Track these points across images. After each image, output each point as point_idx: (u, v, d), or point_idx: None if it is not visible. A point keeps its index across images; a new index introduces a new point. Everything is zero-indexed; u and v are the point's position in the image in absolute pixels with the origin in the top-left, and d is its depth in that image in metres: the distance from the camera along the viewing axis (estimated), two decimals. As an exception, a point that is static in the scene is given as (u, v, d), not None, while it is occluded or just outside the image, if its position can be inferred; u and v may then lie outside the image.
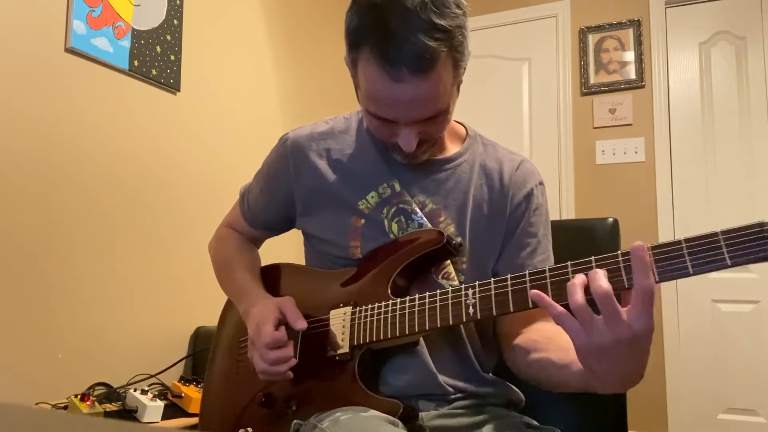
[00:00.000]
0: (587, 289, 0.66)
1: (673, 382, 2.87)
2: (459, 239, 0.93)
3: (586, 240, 1.18)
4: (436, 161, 0.97)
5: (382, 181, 0.96)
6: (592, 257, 0.71)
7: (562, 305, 0.68)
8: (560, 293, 0.72)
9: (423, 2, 0.76)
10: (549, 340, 0.85)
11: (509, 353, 0.94)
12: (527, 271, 0.76)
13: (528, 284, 0.75)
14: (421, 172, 0.96)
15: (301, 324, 0.90)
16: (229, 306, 1.13)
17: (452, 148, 1.01)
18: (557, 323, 0.68)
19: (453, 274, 0.92)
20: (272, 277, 1.08)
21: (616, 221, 1.17)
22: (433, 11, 0.76)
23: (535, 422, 0.94)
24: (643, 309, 0.63)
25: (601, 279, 0.65)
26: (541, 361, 0.84)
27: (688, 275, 0.65)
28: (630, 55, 3.13)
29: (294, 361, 0.89)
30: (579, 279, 0.67)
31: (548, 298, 0.68)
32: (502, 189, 0.97)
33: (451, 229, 0.94)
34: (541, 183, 1.02)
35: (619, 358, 0.66)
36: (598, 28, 3.20)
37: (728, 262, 0.62)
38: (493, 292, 0.78)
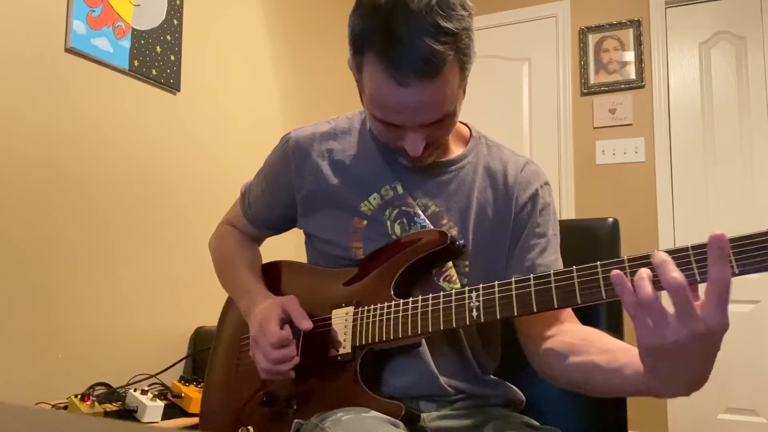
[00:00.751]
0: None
1: (673, 382, 2.86)
2: (462, 241, 0.92)
3: (586, 240, 1.17)
4: (440, 163, 0.96)
5: (385, 183, 0.95)
6: (598, 262, 0.70)
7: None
8: (566, 297, 0.71)
9: (429, 5, 0.74)
10: (589, 343, 0.81)
11: (538, 358, 0.90)
12: (531, 275, 0.75)
13: (533, 288, 0.74)
14: (424, 175, 0.96)
15: (306, 324, 0.90)
16: (229, 304, 1.13)
17: (456, 150, 1.00)
18: (631, 315, 0.63)
19: (455, 276, 0.92)
20: (274, 275, 1.08)
21: (616, 221, 1.17)
22: (439, 14, 0.75)
23: (535, 422, 0.93)
24: (720, 302, 0.59)
25: (673, 270, 0.59)
26: (583, 364, 0.79)
27: (695, 282, 0.63)
28: (630, 55, 3.13)
29: (297, 360, 0.89)
30: (646, 272, 0.62)
31: (628, 283, 0.62)
32: (506, 191, 0.96)
33: (453, 232, 0.93)
34: (546, 183, 1.01)
35: (689, 357, 0.62)
36: (598, 28, 3.20)
37: (735, 270, 0.60)
38: (497, 295, 0.77)
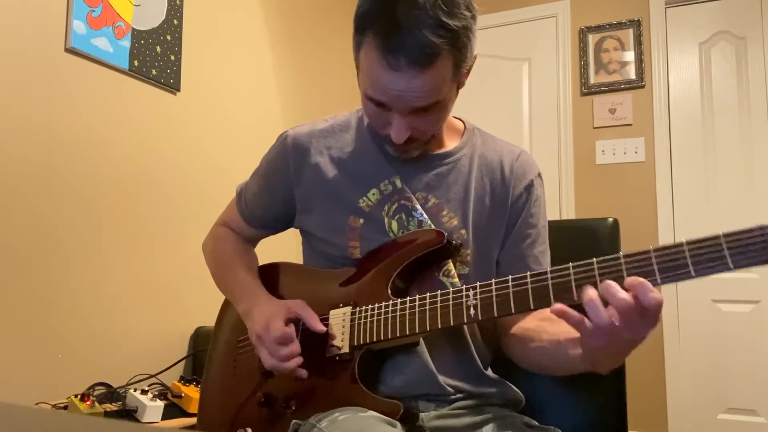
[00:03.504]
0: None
1: (673, 382, 2.87)
2: (459, 240, 0.93)
3: (586, 240, 1.17)
4: (436, 156, 0.98)
5: (384, 177, 0.96)
6: (594, 259, 0.71)
7: (569, 305, 0.71)
8: (562, 294, 0.72)
9: (434, 0, 0.77)
10: (542, 329, 0.89)
11: (506, 343, 0.97)
12: (528, 273, 0.76)
13: (529, 285, 0.75)
14: (422, 167, 0.97)
15: (319, 326, 0.90)
16: (226, 306, 1.13)
17: (451, 143, 1.01)
18: (577, 329, 0.71)
19: (453, 271, 0.92)
20: (271, 277, 1.08)
21: (616, 221, 1.17)
22: (442, 9, 0.77)
23: (535, 422, 0.94)
24: (654, 318, 0.66)
25: (620, 291, 0.66)
26: (536, 349, 0.88)
27: (690, 278, 0.65)
28: (630, 55, 3.13)
29: (300, 360, 0.89)
30: (595, 293, 0.68)
31: (568, 310, 0.70)
32: (503, 180, 0.98)
33: (454, 222, 0.94)
34: (539, 175, 1.03)
35: (624, 351, 0.72)
36: (598, 28, 3.20)
37: (731, 265, 0.63)
38: (494, 293, 0.78)
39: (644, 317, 0.66)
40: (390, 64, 0.79)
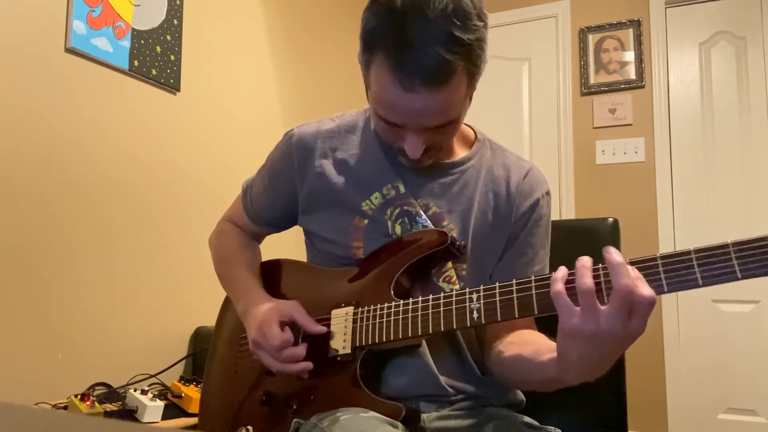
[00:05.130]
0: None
1: (673, 382, 2.87)
2: (462, 242, 0.92)
3: (586, 240, 1.17)
4: (443, 165, 0.96)
5: (387, 182, 0.95)
6: (600, 265, 0.70)
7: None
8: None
9: (445, 13, 0.73)
10: (523, 341, 0.88)
11: (488, 359, 0.95)
12: (533, 278, 0.75)
13: (534, 290, 0.74)
14: (428, 175, 0.96)
15: (318, 328, 0.90)
16: (227, 303, 1.13)
17: (460, 152, 1.00)
18: (555, 300, 0.68)
19: (454, 277, 0.92)
20: (273, 273, 1.08)
21: (616, 221, 1.17)
22: (454, 23, 0.73)
23: (535, 422, 0.93)
24: (621, 310, 0.63)
25: (624, 276, 0.63)
26: (513, 358, 0.86)
27: (697, 286, 0.64)
28: (630, 55, 3.13)
29: (309, 364, 0.88)
30: (589, 261, 0.67)
31: (558, 275, 0.69)
32: (508, 197, 0.97)
33: (453, 234, 0.93)
34: (547, 193, 1.01)
35: (602, 350, 0.67)
36: (598, 28, 3.20)
37: (738, 275, 0.62)
38: (498, 297, 0.77)
39: (631, 316, 0.63)
40: (403, 84, 0.76)
